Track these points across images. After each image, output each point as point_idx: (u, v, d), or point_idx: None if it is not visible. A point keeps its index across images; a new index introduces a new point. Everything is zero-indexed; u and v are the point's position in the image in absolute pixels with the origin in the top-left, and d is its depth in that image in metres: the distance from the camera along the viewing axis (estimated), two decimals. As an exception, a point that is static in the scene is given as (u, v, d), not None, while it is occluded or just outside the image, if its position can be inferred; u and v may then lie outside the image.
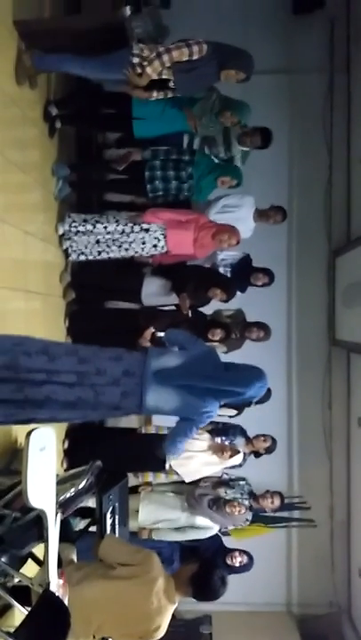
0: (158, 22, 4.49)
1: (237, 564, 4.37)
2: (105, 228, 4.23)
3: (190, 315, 4.46)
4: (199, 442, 4.27)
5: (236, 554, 4.40)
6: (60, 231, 4.25)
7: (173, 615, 2.52)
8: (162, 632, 2.43)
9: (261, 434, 4.66)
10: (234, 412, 4.73)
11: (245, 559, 4.40)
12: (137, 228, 4.23)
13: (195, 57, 3.46)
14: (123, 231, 4.23)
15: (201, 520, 4.33)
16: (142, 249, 4.28)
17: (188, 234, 4.20)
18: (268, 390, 4.45)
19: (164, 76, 3.58)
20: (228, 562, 4.35)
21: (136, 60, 3.53)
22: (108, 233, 4.24)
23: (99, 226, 4.23)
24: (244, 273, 4.71)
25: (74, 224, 4.23)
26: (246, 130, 4.44)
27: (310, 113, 5.98)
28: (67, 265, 4.45)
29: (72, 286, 4.49)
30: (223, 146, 4.41)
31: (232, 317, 4.75)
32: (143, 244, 4.25)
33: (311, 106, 5.99)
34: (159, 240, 4.24)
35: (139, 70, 3.54)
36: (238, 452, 4.26)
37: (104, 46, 3.58)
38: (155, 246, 4.26)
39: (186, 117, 4.19)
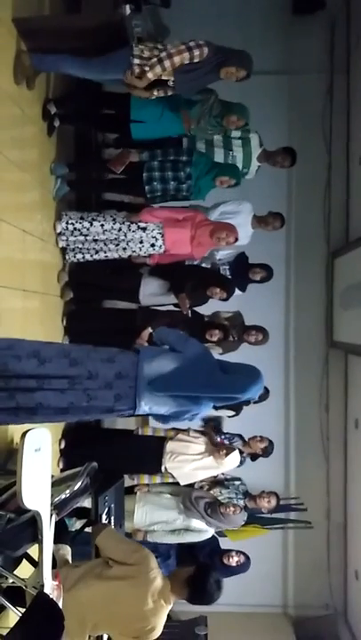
0: (159, 21, 4.48)
1: (234, 564, 4.37)
2: (102, 226, 4.22)
3: (189, 315, 4.45)
4: (196, 445, 4.25)
5: (233, 554, 4.40)
6: (58, 229, 4.23)
7: (169, 616, 2.51)
8: (157, 633, 2.43)
9: (258, 435, 4.65)
10: (232, 412, 4.72)
11: (242, 559, 4.40)
12: (134, 227, 4.22)
13: (196, 60, 3.48)
14: (120, 229, 4.22)
15: (197, 523, 4.31)
16: (140, 248, 4.27)
17: (185, 232, 4.19)
18: (266, 389, 4.46)
19: (163, 77, 3.58)
20: (225, 562, 4.35)
21: (136, 62, 3.53)
22: (105, 231, 4.22)
23: (95, 224, 4.21)
24: (242, 270, 4.71)
25: (70, 221, 4.22)
26: (274, 151, 4.49)
27: (310, 113, 5.97)
28: (65, 264, 4.43)
29: (70, 285, 4.48)
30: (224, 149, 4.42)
31: (230, 319, 4.73)
32: (141, 242, 4.24)
33: (311, 106, 5.98)
34: (157, 239, 4.23)
35: (137, 71, 3.54)
36: (234, 449, 4.25)
37: (104, 46, 3.57)
38: (152, 245, 4.25)
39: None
